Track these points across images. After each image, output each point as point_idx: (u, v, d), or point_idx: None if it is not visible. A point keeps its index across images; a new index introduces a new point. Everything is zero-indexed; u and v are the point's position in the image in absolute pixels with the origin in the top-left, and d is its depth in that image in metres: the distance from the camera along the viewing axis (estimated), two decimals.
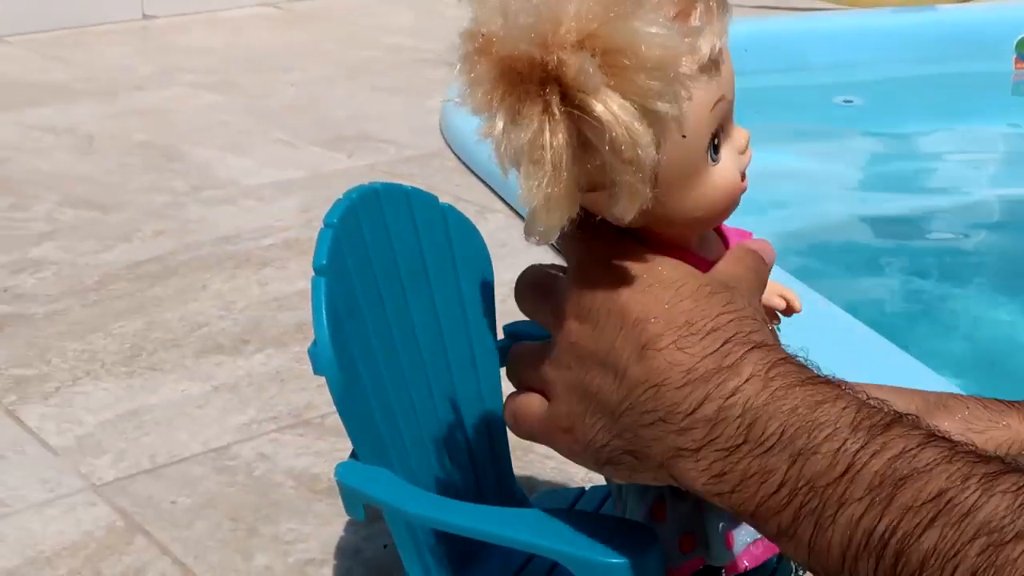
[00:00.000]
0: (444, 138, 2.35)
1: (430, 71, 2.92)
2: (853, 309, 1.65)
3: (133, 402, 1.36)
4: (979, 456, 0.54)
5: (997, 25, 3.40)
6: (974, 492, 0.52)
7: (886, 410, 0.57)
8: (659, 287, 0.64)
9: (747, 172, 0.70)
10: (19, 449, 1.26)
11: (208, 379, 1.41)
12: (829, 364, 1.28)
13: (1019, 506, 0.51)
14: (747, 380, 0.59)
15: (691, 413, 0.59)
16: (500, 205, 2.00)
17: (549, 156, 0.60)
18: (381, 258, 0.85)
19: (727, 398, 0.58)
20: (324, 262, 0.81)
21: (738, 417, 0.58)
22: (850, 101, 3.17)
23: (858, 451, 0.54)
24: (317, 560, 1.05)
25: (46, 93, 2.76)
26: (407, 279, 0.90)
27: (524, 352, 0.71)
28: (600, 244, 0.68)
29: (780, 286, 0.81)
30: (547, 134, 0.59)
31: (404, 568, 0.82)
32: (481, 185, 2.10)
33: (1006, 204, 2.54)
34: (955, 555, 0.51)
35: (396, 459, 0.84)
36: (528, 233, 0.65)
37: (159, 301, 1.63)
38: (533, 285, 0.73)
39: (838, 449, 0.55)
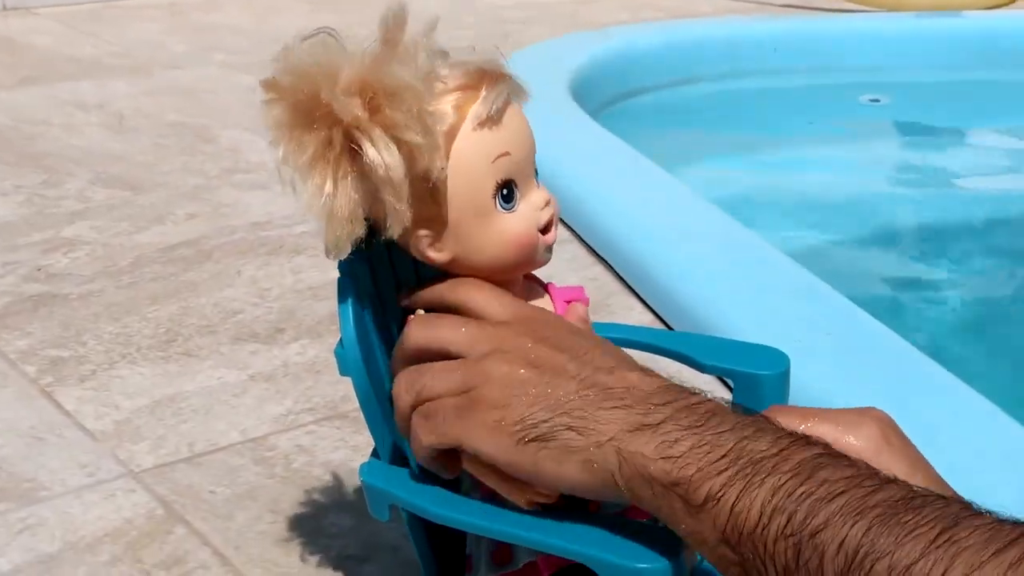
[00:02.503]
0: None
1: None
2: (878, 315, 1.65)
3: (170, 388, 1.36)
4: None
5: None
6: (882, 478, 0.64)
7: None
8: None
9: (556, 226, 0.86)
10: (58, 433, 1.27)
11: (244, 367, 1.41)
12: (863, 377, 1.27)
13: (918, 494, 0.63)
14: (710, 399, 0.72)
15: (660, 404, 0.70)
16: None
17: (328, 179, 0.76)
18: (403, 255, 0.86)
19: (692, 403, 0.71)
20: (349, 261, 0.83)
21: (700, 413, 0.69)
22: (877, 100, 3.17)
23: (791, 443, 0.67)
24: (356, 556, 1.06)
25: (77, 68, 2.76)
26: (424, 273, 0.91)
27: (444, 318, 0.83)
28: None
29: None
30: (327, 160, 0.76)
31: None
32: None
33: None
34: (857, 514, 0.61)
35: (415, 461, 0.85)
36: (325, 250, 0.79)
37: (193, 286, 1.63)
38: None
39: (777, 438, 0.67)
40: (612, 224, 1.78)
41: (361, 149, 0.77)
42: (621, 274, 1.69)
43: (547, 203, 0.85)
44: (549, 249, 0.86)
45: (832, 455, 0.66)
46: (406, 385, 0.78)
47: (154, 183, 2.04)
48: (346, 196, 0.78)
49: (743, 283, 1.57)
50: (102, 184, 2.04)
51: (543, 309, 0.85)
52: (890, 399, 1.27)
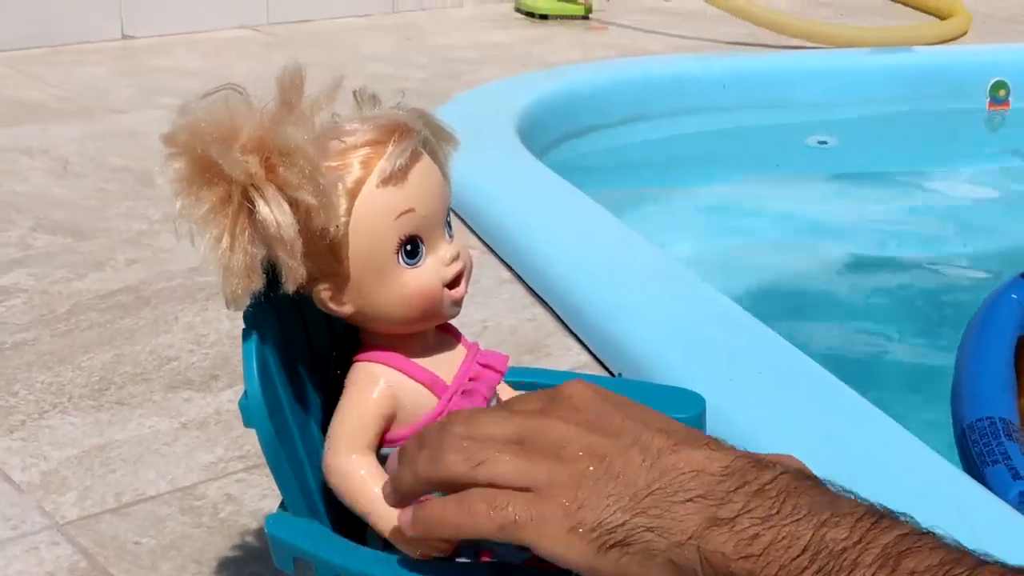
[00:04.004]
0: None
1: (410, 101, 2.92)
2: (819, 355, 1.66)
3: (100, 437, 1.35)
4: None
5: (972, 67, 3.43)
6: (972, 562, 0.61)
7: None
8: None
9: (468, 279, 0.86)
10: None
11: (177, 415, 1.40)
12: (796, 413, 1.28)
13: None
14: (780, 474, 0.67)
15: (732, 491, 0.66)
16: (475, 241, 2.01)
17: (225, 233, 0.77)
18: (310, 303, 0.86)
19: (764, 484, 0.66)
20: (254, 311, 0.83)
21: (773, 496, 0.65)
22: (824, 142, 3.20)
23: (872, 525, 0.63)
24: None
25: (22, 112, 2.75)
26: (337, 325, 0.91)
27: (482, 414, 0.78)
28: None
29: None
30: (225, 215, 0.77)
31: None
32: (458, 220, 2.10)
33: (971, 248, 2.56)
34: None
35: (327, 512, 0.85)
36: (225, 302, 0.80)
37: (129, 333, 1.62)
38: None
39: (857, 520, 0.63)
40: (552, 264, 1.78)
41: (249, 202, 0.77)
42: (560, 315, 1.70)
43: (455, 257, 0.85)
44: (457, 303, 0.86)
45: (916, 534, 0.63)
46: (463, 453, 0.72)
47: (96, 229, 2.03)
48: (243, 250, 0.78)
49: (678, 323, 1.58)
50: (43, 230, 2.02)
51: (576, 383, 0.78)
52: (818, 433, 1.29)
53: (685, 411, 0.97)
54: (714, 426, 1.32)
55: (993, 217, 2.78)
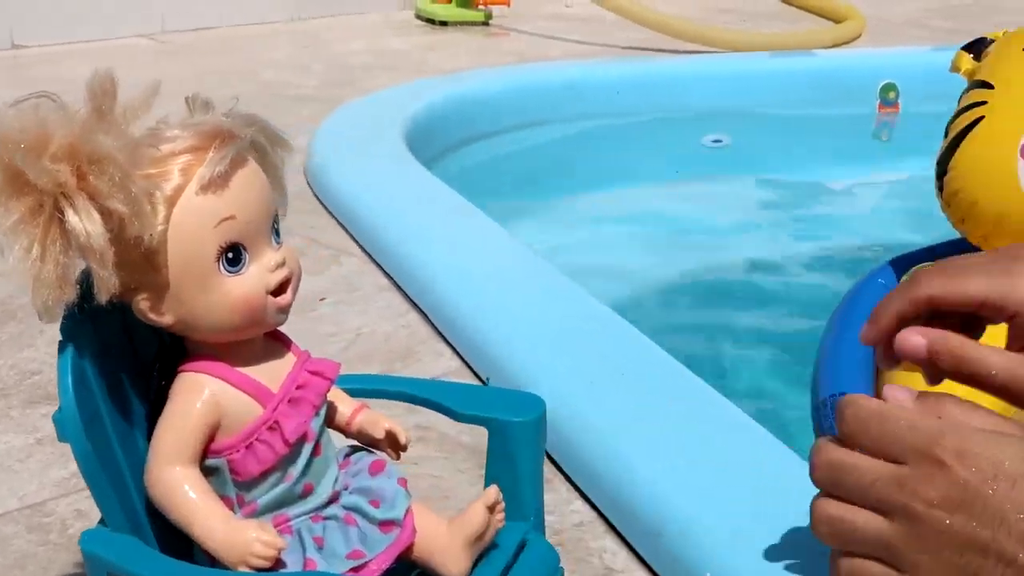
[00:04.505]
0: (306, 179, 2.34)
1: (301, 108, 2.91)
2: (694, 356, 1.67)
3: None
4: None
5: (864, 70, 3.48)
6: None
7: None
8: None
9: (292, 285, 0.85)
10: None
11: (33, 431, 1.37)
12: (652, 413, 1.28)
13: None
14: None
15: None
16: (356, 249, 2.00)
17: (36, 243, 0.76)
18: (133, 315, 0.84)
19: None
20: (70, 323, 0.81)
21: None
22: (719, 141, 3.23)
23: None
24: None
25: None
26: (165, 334, 0.89)
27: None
28: None
29: (386, 419, 0.94)
30: (36, 225, 0.76)
31: None
32: (339, 228, 2.09)
33: (858, 248, 2.59)
34: None
35: (150, 527, 0.83)
36: (38, 314, 0.78)
37: None
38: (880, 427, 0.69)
39: None
40: (428, 271, 1.78)
41: (60, 213, 0.76)
42: (433, 321, 1.69)
43: (280, 264, 0.84)
44: (283, 311, 0.85)
45: None
46: (828, 526, 0.70)
47: None
48: (54, 261, 0.76)
49: (548, 328, 1.58)
50: None
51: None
52: (680, 434, 1.29)
53: (524, 414, 0.96)
54: (571, 426, 1.33)
55: (879, 215, 2.82)
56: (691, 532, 1.12)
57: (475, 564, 0.90)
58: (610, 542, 1.20)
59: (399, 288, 1.82)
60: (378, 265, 1.91)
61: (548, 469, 1.33)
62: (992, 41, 1.57)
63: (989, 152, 1.47)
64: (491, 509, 0.89)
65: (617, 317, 1.60)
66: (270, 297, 0.83)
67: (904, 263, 1.60)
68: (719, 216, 2.80)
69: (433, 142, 2.66)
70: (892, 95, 3.37)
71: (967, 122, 1.50)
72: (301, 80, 3.22)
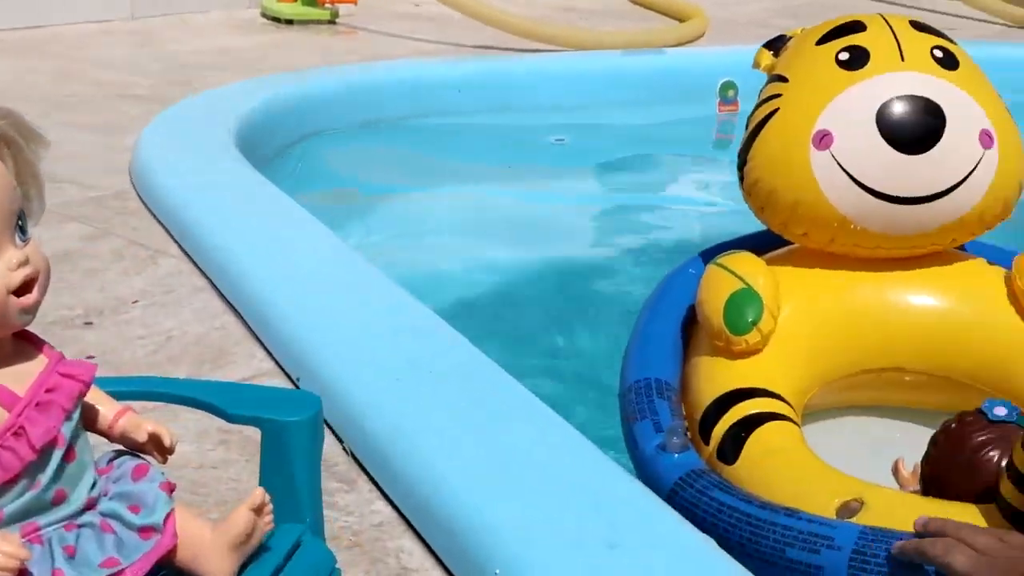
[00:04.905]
0: (130, 178, 2.28)
1: (133, 107, 2.84)
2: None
3: None
4: None
5: (706, 69, 3.53)
6: None
7: None
8: None
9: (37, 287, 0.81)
10: None
11: None
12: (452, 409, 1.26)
13: None
14: None
15: None
16: (175, 250, 1.95)
17: None
18: None
19: None
20: None
21: None
22: (561, 140, 3.25)
23: None
24: None
25: None
26: None
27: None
28: None
29: (150, 422, 0.90)
30: None
31: None
32: (160, 228, 2.04)
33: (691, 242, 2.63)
34: None
35: None
36: None
37: None
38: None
39: None
40: (245, 272, 1.75)
41: None
42: (249, 323, 1.66)
43: (23, 263, 0.80)
44: (27, 311, 0.81)
45: None
46: None
47: None
48: None
49: (362, 327, 1.56)
50: None
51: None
52: (484, 432, 1.29)
53: (298, 414, 0.94)
54: (375, 426, 1.31)
55: (717, 210, 2.86)
56: (483, 529, 1.12)
57: (244, 567, 0.88)
58: (408, 541, 1.19)
59: (216, 290, 1.78)
60: (197, 266, 1.87)
61: (352, 469, 1.32)
62: (790, 38, 1.61)
63: (783, 143, 1.51)
64: (258, 511, 0.87)
65: (434, 316, 1.59)
66: (12, 297, 0.80)
67: (712, 254, 1.62)
68: (557, 214, 2.82)
69: (267, 141, 2.62)
70: (731, 93, 3.42)
71: (764, 115, 1.54)
72: (134, 79, 3.15)
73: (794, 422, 1.41)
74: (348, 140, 2.95)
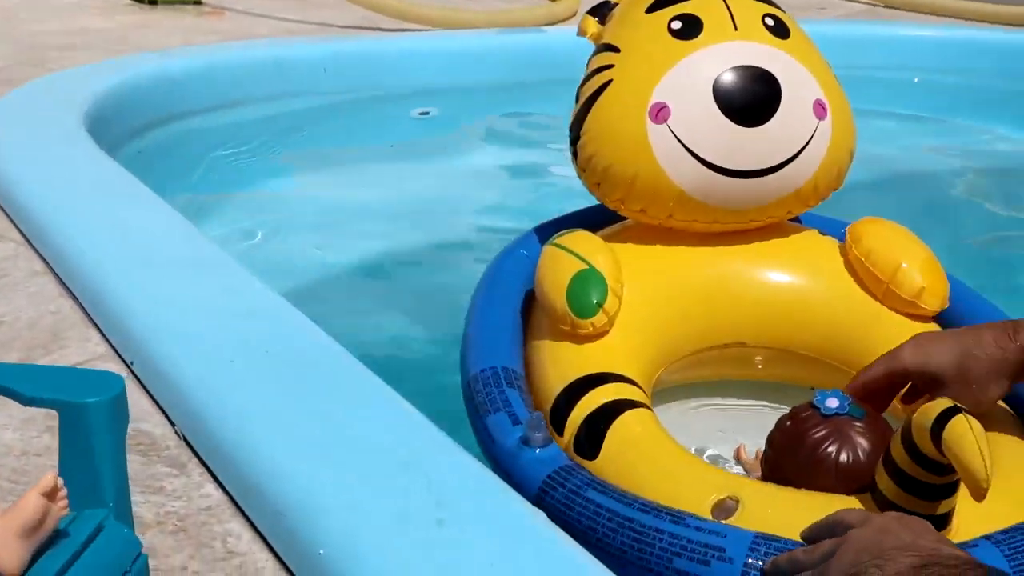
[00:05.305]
0: None
1: None
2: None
3: None
4: None
5: (575, 47, 3.53)
6: None
7: None
8: None
9: None
10: None
11: None
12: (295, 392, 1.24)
13: None
14: None
15: None
16: (15, 234, 1.89)
17: None
18: None
19: None
20: None
21: None
22: (427, 113, 3.22)
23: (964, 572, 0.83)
24: None
25: None
26: None
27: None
28: None
29: None
30: None
31: None
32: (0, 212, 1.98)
33: None
34: None
35: None
36: None
37: None
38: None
39: None
40: (83, 256, 1.69)
41: None
42: (85, 307, 1.61)
43: None
44: None
45: None
46: None
47: None
48: None
49: (199, 310, 1.51)
50: None
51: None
52: (317, 413, 1.26)
53: (99, 394, 0.91)
54: (207, 409, 1.28)
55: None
56: (309, 510, 1.09)
57: (38, 555, 0.84)
58: (236, 525, 1.16)
59: (55, 274, 1.73)
60: (36, 250, 1.81)
61: (183, 453, 1.28)
62: (615, 4, 1.58)
63: (619, 116, 1.47)
64: (50, 496, 0.84)
65: (276, 297, 1.56)
66: None
67: (543, 232, 1.58)
68: (426, 193, 2.79)
69: (121, 124, 2.55)
70: None
71: (596, 86, 1.50)
72: None
73: (648, 407, 1.35)
74: (206, 123, 2.88)
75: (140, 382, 1.41)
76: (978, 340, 1.29)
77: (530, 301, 1.53)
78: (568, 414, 1.33)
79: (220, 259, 1.69)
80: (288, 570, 1.09)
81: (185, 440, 1.30)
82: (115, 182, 2.02)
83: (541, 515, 1.11)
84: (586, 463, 1.28)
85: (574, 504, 1.19)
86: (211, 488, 1.23)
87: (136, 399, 1.38)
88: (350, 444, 1.21)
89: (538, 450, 1.25)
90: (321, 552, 1.04)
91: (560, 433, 1.33)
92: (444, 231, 2.53)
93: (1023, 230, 2.73)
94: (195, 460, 1.27)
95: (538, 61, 3.51)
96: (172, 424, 1.32)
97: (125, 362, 1.46)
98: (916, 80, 3.72)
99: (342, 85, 3.14)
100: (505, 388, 1.36)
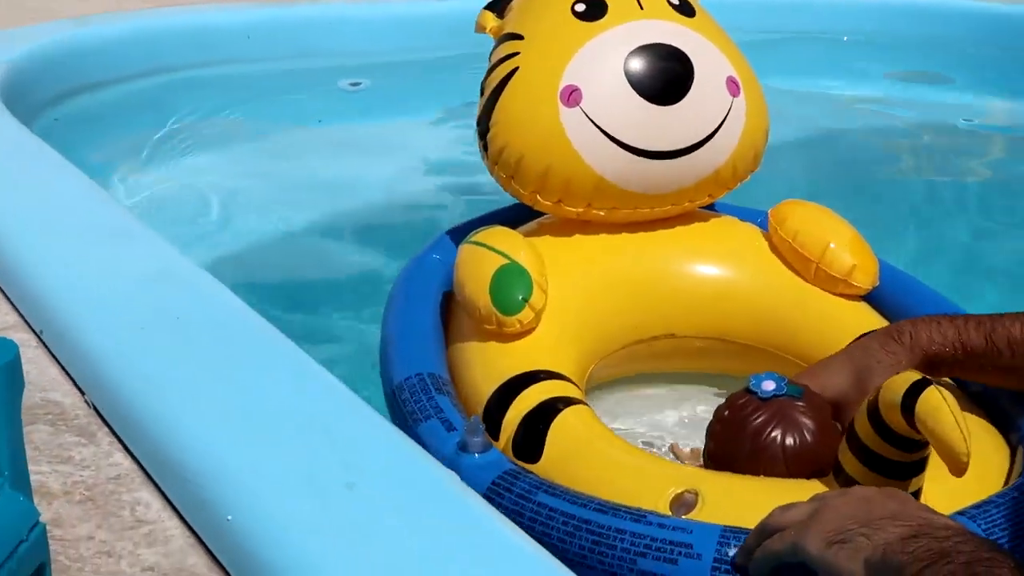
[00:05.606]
0: None
1: None
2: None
3: None
4: None
5: None
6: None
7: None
8: None
9: None
10: None
11: None
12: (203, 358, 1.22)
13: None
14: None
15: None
16: None
17: None
18: None
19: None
20: None
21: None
22: (358, 84, 3.19)
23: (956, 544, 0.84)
24: None
25: None
26: None
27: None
28: None
29: None
30: None
31: None
32: None
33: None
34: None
35: None
36: None
37: None
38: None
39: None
40: None
41: None
42: None
43: None
44: None
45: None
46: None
47: None
48: None
49: (111, 279, 1.48)
50: None
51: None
52: (230, 379, 1.25)
53: None
54: (117, 377, 1.26)
55: None
56: (217, 476, 1.08)
57: None
58: (146, 494, 1.14)
59: None
60: None
61: (93, 423, 1.26)
62: None
63: (529, 102, 1.41)
64: None
65: (190, 265, 1.53)
66: None
67: (456, 236, 1.52)
68: (357, 165, 2.77)
69: (36, 91, 2.51)
70: None
71: (502, 76, 1.45)
72: None
73: (587, 404, 1.31)
74: (127, 91, 2.83)
75: (49, 351, 1.38)
76: (867, 353, 1.27)
77: (449, 304, 1.49)
78: (503, 416, 1.29)
79: (133, 227, 1.66)
80: (197, 537, 1.08)
81: (95, 409, 1.28)
82: (26, 149, 1.98)
83: (454, 477, 1.11)
84: (528, 466, 1.23)
85: (524, 509, 1.14)
86: (120, 457, 1.21)
87: (45, 368, 1.35)
88: (260, 409, 1.19)
89: (478, 455, 1.20)
90: (229, 518, 1.03)
91: (495, 437, 1.28)
92: (371, 207, 2.51)
93: (938, 204, 2.76)
94: (105, 429, 1.25)
95: (458, 29, 3.48)
96: (82, 393, 1.30)
97: (35, 331, 1.43)
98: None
99: (267, 53, 3.09)
100: (434, 394, 1.31)
